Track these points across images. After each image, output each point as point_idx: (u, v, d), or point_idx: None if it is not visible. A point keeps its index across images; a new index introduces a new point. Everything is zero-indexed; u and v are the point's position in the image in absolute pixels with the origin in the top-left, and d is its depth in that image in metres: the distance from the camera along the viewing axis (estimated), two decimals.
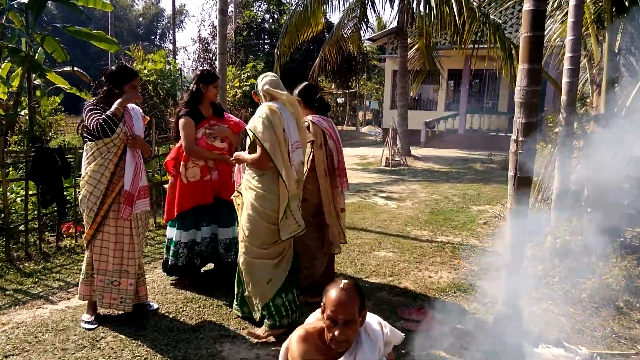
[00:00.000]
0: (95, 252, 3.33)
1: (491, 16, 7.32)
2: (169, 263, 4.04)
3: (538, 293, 4.12)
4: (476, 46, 7.77)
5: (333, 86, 27.57)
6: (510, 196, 3.25)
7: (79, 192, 3.39)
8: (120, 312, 3.45)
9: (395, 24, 14.91)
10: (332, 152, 3.80)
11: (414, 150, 14.43)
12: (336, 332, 1.96)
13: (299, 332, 2.11)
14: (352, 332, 2.00)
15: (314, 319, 2.25)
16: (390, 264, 4.78)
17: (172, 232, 4.03)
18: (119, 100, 3.23)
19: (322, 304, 2.06)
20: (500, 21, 7.74)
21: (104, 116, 3.14)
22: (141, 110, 3.55)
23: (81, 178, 3.34)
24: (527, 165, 3.17)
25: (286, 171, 3.08)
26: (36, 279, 4.21)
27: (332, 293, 2.01)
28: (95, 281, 3.35)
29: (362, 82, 28.97)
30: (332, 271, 4.05)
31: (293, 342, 2.09)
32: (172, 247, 4.01)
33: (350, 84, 26.94)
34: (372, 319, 2.21)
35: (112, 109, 3.19)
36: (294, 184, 3.16)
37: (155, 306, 3.63)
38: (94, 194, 3.26)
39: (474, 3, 8.09)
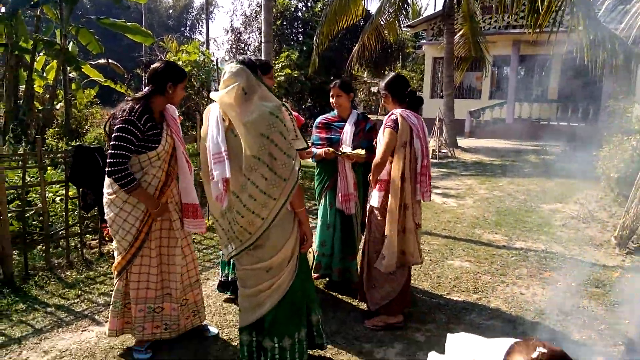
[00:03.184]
0: (132, 279, 2.77)
1: None
2: (228, 279, 3.55)
3: None
4: (554, 29, 6.87)
5: (365, 75, 26.80)
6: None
7: (107, 211, 2.73)
8: (175, 338, 2.98)
9: (431, 10, 14.10)
10: (417, 154, 3.21)
11: (460, 141, 13.67)
12: None
13: None
14: None
15: None
16: (470, 276, 4.18)
17: None
18: (151, 205, 2.65)
19: None
20: None
21: (132, 177, 2.56)
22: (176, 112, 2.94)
23: (107, 194, 2.71)
24: None
25: (206, 186, 2.49)
26: (79, 291, 3.80)
27: None
28: (134, 311, 2.80)
29: (397, 71, 28.10)
30: (407, 288, 3.46)
31: None
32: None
33: (384, 72, 26.13)
34: None
35: (143, 193, 2.62)
36: (214, 203, 2.45)
37: (215, 331, 3.15)
38: (133, 214, 2.67)
39: None
